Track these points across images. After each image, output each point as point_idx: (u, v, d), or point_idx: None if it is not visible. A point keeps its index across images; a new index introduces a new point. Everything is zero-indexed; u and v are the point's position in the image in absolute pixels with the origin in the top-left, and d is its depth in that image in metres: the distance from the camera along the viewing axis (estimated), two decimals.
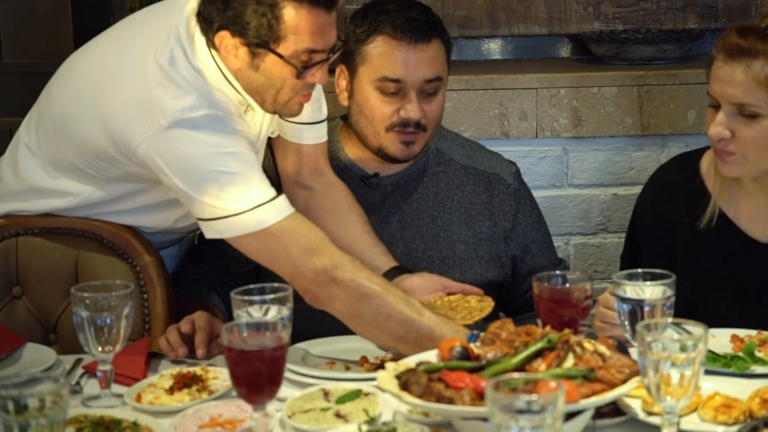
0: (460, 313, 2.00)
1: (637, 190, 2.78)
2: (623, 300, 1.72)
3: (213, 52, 1.97)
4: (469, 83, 2.80)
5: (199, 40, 1.97)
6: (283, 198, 1.93)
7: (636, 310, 1.71)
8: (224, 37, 1.93)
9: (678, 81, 2.79)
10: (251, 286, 1.72)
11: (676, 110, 2.79)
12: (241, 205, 1.89)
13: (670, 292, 1.72)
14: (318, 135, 2.23)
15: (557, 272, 1.83)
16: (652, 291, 1.72)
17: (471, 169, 2.32)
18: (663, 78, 2.80)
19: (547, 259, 2.34)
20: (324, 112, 2.24)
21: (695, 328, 1.51)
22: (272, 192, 1.92)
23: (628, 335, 1.73)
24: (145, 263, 2.11)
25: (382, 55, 2.18)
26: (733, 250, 2.11)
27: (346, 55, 2.22)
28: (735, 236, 2.11)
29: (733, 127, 1.99)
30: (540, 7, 3.14)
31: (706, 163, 2.16)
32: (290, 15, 1.90)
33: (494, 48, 3.16)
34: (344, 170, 2.27)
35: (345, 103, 2.27)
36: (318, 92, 2.20)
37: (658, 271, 1.75)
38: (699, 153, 2.19)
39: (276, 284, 1.73)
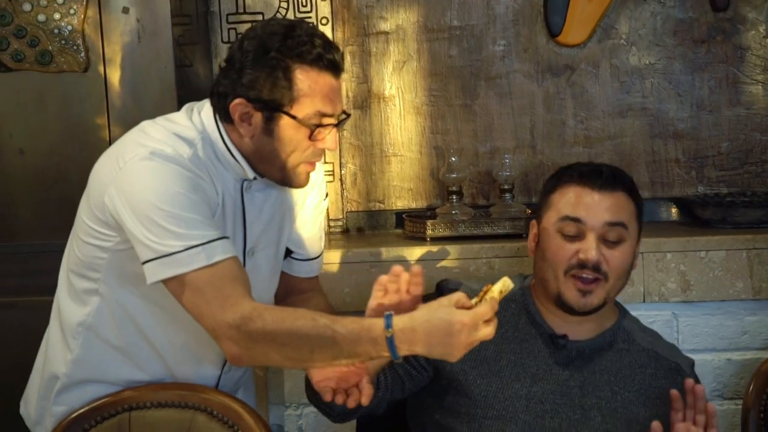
0: None
1: (752, 355, 2.74)
2: None
3: (222, 131, 2.09)
4: None
5: (207, 115, 2.10)
6: (221, 243, 1.96)
7: None
8: (239, 104, 2.05)
9: None
10: None
11: None
12: (173, 246, 1.93)
13: None
14: (312, 269, 2.38)
15: None
16: None
17: (653, 353, 2.31)
18: None
19: None
20: (323, 246, 2.39)
21: None
22: (212, 235, 1.96)
23: None
24: None
25: (566, 198, 2.24)
26: None
27: (537, 210, 2.33)
28: None
29: None
30: (642, 172, 3.14)
31: None
32: (302, 78, 2.03)
33: None
34: (534, 325, 2.27)
35: (531, 254, 2.30)
36: (322, 228, 2.36)
37: None
38: None
39: None
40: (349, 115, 2.16)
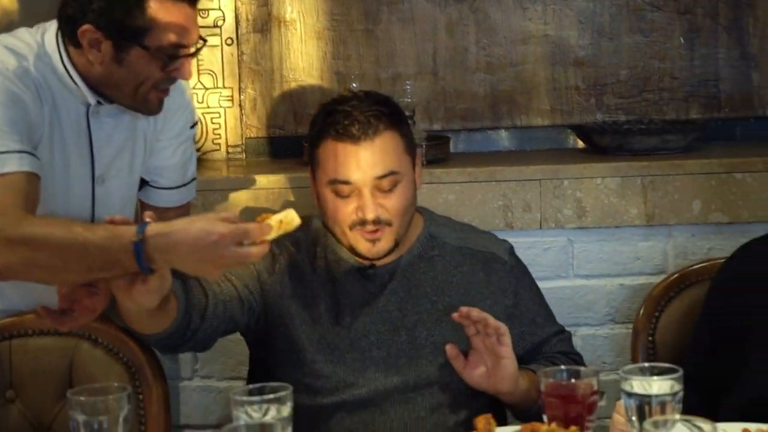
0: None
1: (644, 280, 2.79)
2: (630, 395, 1.68)
3: (63, 52, 2.03)
4: (472, 175, 2.79)
5: (50, 35, 2.04)
6: (19, 156, 1.91)
7: (643, 406, 1.67)
8: (88, 31, 1.99)
9: (682, 171, 2.77)
10: (250, 386, 1.69)
11: (681, 200, 2.78)
12: None
13: (678, 387, 1.68)
14: (172, 199, 2.32)
15: (563, 367, 1.81)
16: (659, 386, 1.68)
17: (466, 249, 2.31)
18: (667, 168, 2.79)
19: (553, 330, 2.34)
20: (189, 175, 2.33)
21: (705, 425, 1.47)
22: (10, 147, 1.91)
23: None
24: (140, 363, 2.09)
25: (329, 159, 2.17)
26: None
27: (310, 158, 2.25)
28: None
29: None
30: (542, 99, 3.15)
31: None
32: (156, 9, 1.97)
33: (497, 140, 3.17)
34: (340, 263, 2.25)
35: (316, 203, 2.27)
36: (186, 156, 2.29)
37: (666, 365, 1.71)
38: None
39: (275, 383, 1.69)
40: (205, 41, 2.09)
